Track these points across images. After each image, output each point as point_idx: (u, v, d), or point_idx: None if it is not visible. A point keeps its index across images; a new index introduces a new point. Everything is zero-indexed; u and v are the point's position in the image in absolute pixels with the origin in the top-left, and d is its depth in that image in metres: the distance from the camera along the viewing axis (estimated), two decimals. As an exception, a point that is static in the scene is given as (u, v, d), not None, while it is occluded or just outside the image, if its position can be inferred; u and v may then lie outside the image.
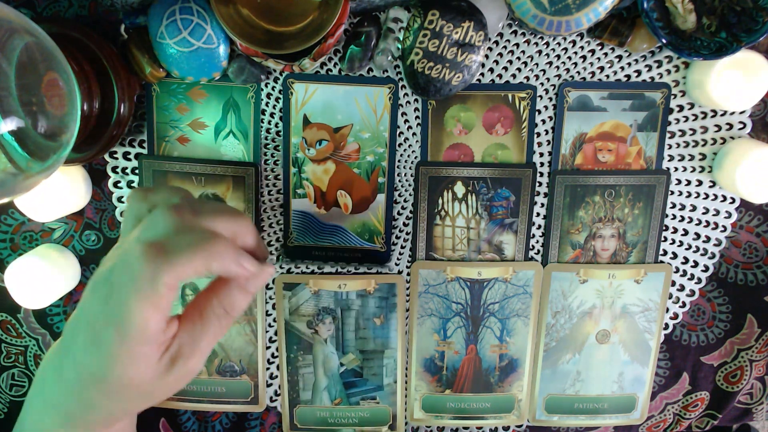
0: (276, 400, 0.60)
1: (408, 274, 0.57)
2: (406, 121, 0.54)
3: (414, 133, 0.55)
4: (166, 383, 0.33)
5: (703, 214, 0.57)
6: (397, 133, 0.54)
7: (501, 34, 0.52)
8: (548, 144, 0.55)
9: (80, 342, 0.32)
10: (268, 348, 0.59)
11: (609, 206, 0.56)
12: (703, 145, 0.55)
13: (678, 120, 0.55)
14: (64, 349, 0.33)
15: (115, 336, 0.30)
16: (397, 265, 0.57)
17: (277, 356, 0.59)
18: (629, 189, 0.55)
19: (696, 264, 0.58)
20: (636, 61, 0.53)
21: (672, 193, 0.56)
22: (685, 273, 0.58)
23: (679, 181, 0.56)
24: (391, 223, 0.56)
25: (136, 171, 0.55)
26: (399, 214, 0.56)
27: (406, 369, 0.60)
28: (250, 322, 0.58)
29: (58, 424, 0.34)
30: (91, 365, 0.31)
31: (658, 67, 0.53)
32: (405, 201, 0.56)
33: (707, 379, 0.61)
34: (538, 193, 0.56)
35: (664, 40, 0.47)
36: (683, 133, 0.55)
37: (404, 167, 0.55)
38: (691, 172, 0.56)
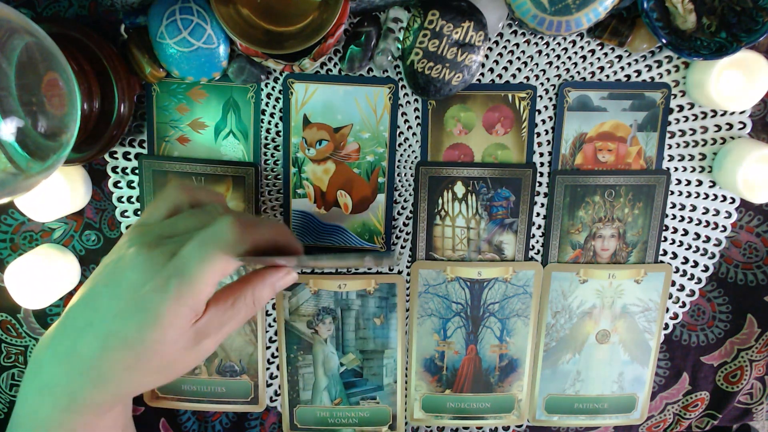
0: (276, 400, 0.60)
1: (408, 274, 0.57)
2: (406, 121, 0.54)
3: (414, 133, 0.55)
4: (184, 359, 0.35)
5: (703, 214, 0.57)
6: (397, 133, 0.54)
7: (501, 34, 0.52)
8: (548, 144, 0.55)
9: (112, 310, 0.33)
10: (268, 348, 0.59)
11: (609, 206, 0.56)
12: (703, 145, 0.55)
13: (678, 120, 0.55)
14: (73, 328, 0.35)
15: (164, 297, 0.33)
16: (397, 265, 0.57)
17: (277, 356, 0.59)
18: (629, 189, 0.55)
19: (696, 264, 0.58)
20: (636, 61, 0.53)
21: (672, 193, 0.56)
22: (685, 273, 0.58)
23: (679, 181, 0.56)
24: (391, 223, 0.56)
25: (136, 171, 0.55)
26: (399, 214, 0.56)
27: (406, 369, 0.60)
28: (250, 322, 0.58)
29: (60, 409, 0.34)
30: (127, 330, 0.33)
31: (658, 67, 0.53)
32: (405, 201, 0.56)
33: (707, 379, 0.61)
34: (538, 193, 0.56)
35: (664, 40, 0.47)
36: (683, 133, 0.55)
37: (404, 167, 0.55)
38: (691, 172, 0.56)
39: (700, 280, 0.58)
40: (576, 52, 0.53)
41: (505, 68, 0.53)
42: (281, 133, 0.54)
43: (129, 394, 0.37)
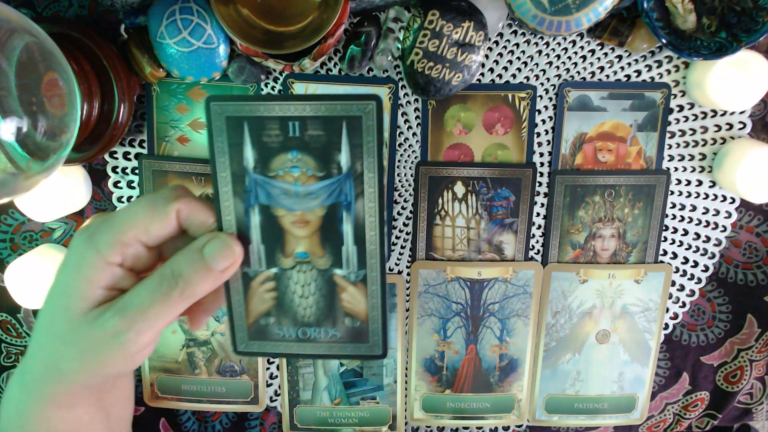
0: (276, 400, 0.60)
1: (408, 274, 0.57)
2: (406, 121, 0.54)
3: (414, 133, 0.55)
4: (93, 337, 0.31)
5: (703, 214, 0.57)
6: (397, 133, 0.54)
7: (501, 34, 0.52)
8: (548, 144, 0.55)
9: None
10: (268, 348, 0.59)
11: (609, 206, 0.56)
12: (703, 145, 0.55)
13: (678, 120, 0.55)
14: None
15: (74, 248, 0.31)
16: (397, 265, 0.57)
17: (277, 356, 0.59)
18: (629, 189, 0.55)
19: (696, 264, 0.58)
20: (636, 61, 0.53)
21: (672, 193, 0.56)
22: (685, 273, 0.58)
23: (679, 181, 0.56)
24: (391, 223, 0.56)
25: (136, 171, 0.55)
26: (399, 214, 0.56)
27: (406, 369, 0.60)
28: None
29: (30, 399, 0.34)
30: (52, 302, 0.32)
31: (658, 67, 0.53)
32: (405, 201, 0.56)
33: (707, 379, 0.61)
34: (538, 193, 0.56)
35: (664, 40, 0.47)
36: (683, 133, 0.55)
37: (404, 167, 0.55)
38: (691, 172, 0.56)
39: (700, 280, 0.58)
40: (576, 52, 0.53)
41: (505, 68, 0.53)
42: (281, 133, 0.54)
43: (73, 382, 0.33)
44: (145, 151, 0.55)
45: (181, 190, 0.32)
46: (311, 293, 0.34)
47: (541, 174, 0.55)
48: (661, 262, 0.57)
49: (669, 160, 0.55)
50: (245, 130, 0.31)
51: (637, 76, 0.53)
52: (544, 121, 0.54)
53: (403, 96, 0.54)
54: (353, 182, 0.31)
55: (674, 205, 0.56)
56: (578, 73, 0.53)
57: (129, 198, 0.56)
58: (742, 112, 0.54)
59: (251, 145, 0.31)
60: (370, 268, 0.33)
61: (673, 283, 0.58)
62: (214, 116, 0.30)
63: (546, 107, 0.54)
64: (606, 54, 0.53)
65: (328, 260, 0.33)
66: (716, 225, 0.57)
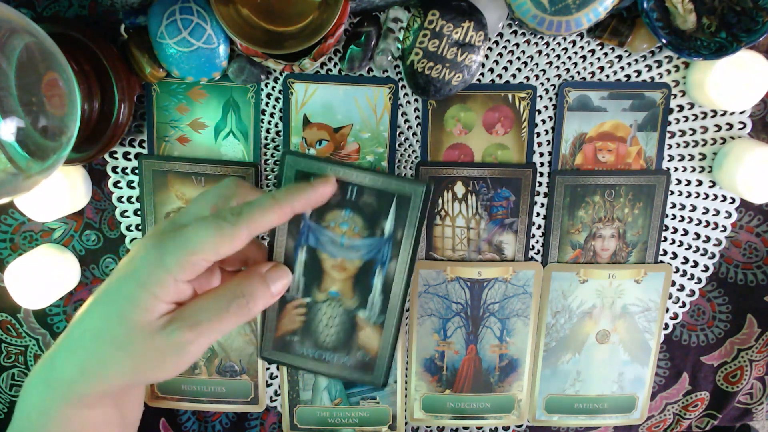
0: (276, 400, 0.60)
1: (408, 274, 0.57)
2: (406, 121, 0.54)
3: (414, 133, 0.55)
4: (155, 346, 0.33)
5: (703, 214, 0.57)
6: (397, 133, 0.54)
7: (501, 34, 0.52)
8: (548, 144, 0.55)
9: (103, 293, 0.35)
10: (268, 348, 0.59)
11: (609, 206, 0.56)
12: (703, 145, 0.55)
13: (678, 120, 0.55)
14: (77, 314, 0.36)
15: (132, 281, 0.33)
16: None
17: (277, 356, 0.59)
18: (629, 189, 0.55)
19: (696, 264, 0.58)
20: (636, 61, 0.53)
21: (672, 193, 0.56)
22: (685, 273, 0.58)
23: (679, 181, 0.56)
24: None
25: (136, 171, 0.55)
26: (399, 214, 0.56)
27: (406, 369, 0.60)
28: (250, 322, 0.58)
29: (55, 397, 0.34)
30: (121, 305, 0.34)
31: (658, 67, 0.53)
32: (405, 201, 0.56)
33: (707, 379, 0.61)
34: (538, 193, 0.56)
35: (664, 40, 0.47)
36: (683, 133, 0.55)
37: (404, 167, 0.55)
38: (691, 172, 0.56)
39: (700, 280, 0.58)
40: (576, 52, 0.53)
41: (505, 68, 0.53)
42: (281, 133, 0.54)
43: (113, 385, 0.35)
44: (145, 151, 0.55)
45: (242, 204, 0.34)
46: (335, 325, 0.39)
47: (541, 174, 0.55)
48: (661, 262, 0.57)
49: (669, 160, 0.55)
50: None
51: (637, 76, 0.53)
52: (544, 121, 0.54)
53: (403, 96, 0.54)
54: (392, 246, 0.37)
55: (674, 205, 0.56)
56: (578, 73, 0.53)
57: (129, 198, 0.56)
58: (742, 112, 0.54)
59: None
60: (389, 316, 0.38)
61: (673, 283, 0.58)
62: (287, 168, 0.36)
63: (546, 107, 0.54)
64: (606, 54, 0.53)
65: (355, 302, 0.38)
66: (716, 225, 0.57)
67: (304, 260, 0.38)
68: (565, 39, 0.53)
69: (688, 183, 0.56)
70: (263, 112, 0.54)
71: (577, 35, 0.53)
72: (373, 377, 0.40)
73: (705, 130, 0.55)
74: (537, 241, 0.57)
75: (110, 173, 0.55)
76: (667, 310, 0.59)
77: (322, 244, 0.37)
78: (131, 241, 0.57)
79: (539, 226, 0.57)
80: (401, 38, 0.50)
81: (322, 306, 0.39)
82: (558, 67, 0.53)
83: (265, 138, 0.55)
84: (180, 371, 0.35)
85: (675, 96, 0.54)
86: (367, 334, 0.39)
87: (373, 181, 0.36)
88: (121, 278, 0.34)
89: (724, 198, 0.56)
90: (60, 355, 0.35)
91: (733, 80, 0.50)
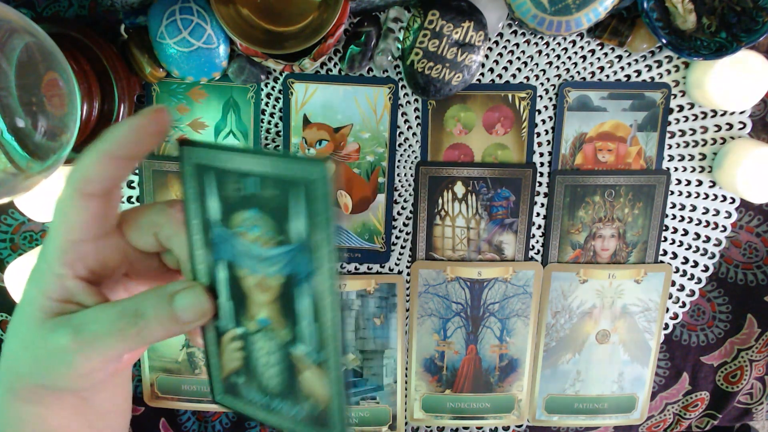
0: (276, 400, 0.60)
1: (408, 274, 0.57)
2: (406, 121, 0.54)
3: (414, 133, 0.55)
4: (46, 348, 0.29)
5: (703, 214, 0.57)
6: (397, 133, 0.54)
7: (501, 34, 0.52)
8: (548, 144, 0.55)
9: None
10: (268, 348, 0.59)
11: (609, 206, 0.56)
12: (703, 145, 0.55)
13: (678, 120, 0.55)
14: None
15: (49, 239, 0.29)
16: (397, 265, 0.57)
17: (277, 356, 0.59)
18: (629, 189, 0.55)
19: (696, 264, 0.58)
20: (636, 61, 0.53)
21: (672, 193, 0.56)
22: (685, 273, 0.58)
23: (679, 181, 0.56)
24: (391, 223, 0.56)
25: (136, 171, 0.55)
26: (399, 214, 0.56)
27: (406, 369, 0.60)
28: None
29: (5, 390, 0.34)
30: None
31: (658, 67, 0.53)
32: (405, 201, 0.56)
33: (707, 379, 0.61)
34: (538, 193, 0.56)
35: (664, 40, 0.47)
36: (683, 133, 0.55)
37: (404, 167, 0.55)
38: (691, 172, 0.56)
39: (700, 280, 0.58)
40: (576, 52, 0.53)
41: (505, 68, 0.53)
42: (281, 133, 0.54)
43: (36, 383, 0.31)
44: (145, 151, 0.55)
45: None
46: (274, 364, 0.31)
47: (541, 174, 0.55)
48: (661, 262, 0.57)
49: (669, 160, 0.55)
50: (213, 179, 0.28)
51: (637, 76, 0.53)
52: (544, 121, 0.54)
53: (403, 96, 0.54)
54: (310, 254, 0.27)
55: (674, 205, 0.56)
56: (578, 73, 0.53)
57: (129, 198, 0.56)
58: (742, 112, 0.54)
59: (216, 196, 0.28)
60: (328, 351, 0.29)
61: (673, 283, 0.58)
62: (186, 162, 0.28)
63: (546, 107, 0.54)
64: (606, 54, 0.53)
65: (289, 333, 0.29)
66: (716, 225, 0.57)
67: (225, 278, 0.29)
68: (565, 39, 0.53)
69: (688, 183, 0.56)
70: (263, 112, 0.54)
71: (577, 35, 0.53)
72: None
73: (705, 130, 0.55)
74: (537, 241, 0.57)
75: (110, 173, 0.55)
76: (667, 310, 0.59)
77: (237, 256, 0.28)
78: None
79: (539, 226, 0.57)
80: (401, 38, 0.50)
81: (256, 338, 0.30)
82: (558, 67, 0.53)
83: (265, 138, 0.55)
84: (81, 383, 0.30)
85: (675, 96, 0.54)
86: (310, 378, 0.30)
87: (275, 167, 0.26)
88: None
89: (724, 198, 0.56)
90: (4, 344, 0.34)
91: (733, 80, 0.50)
